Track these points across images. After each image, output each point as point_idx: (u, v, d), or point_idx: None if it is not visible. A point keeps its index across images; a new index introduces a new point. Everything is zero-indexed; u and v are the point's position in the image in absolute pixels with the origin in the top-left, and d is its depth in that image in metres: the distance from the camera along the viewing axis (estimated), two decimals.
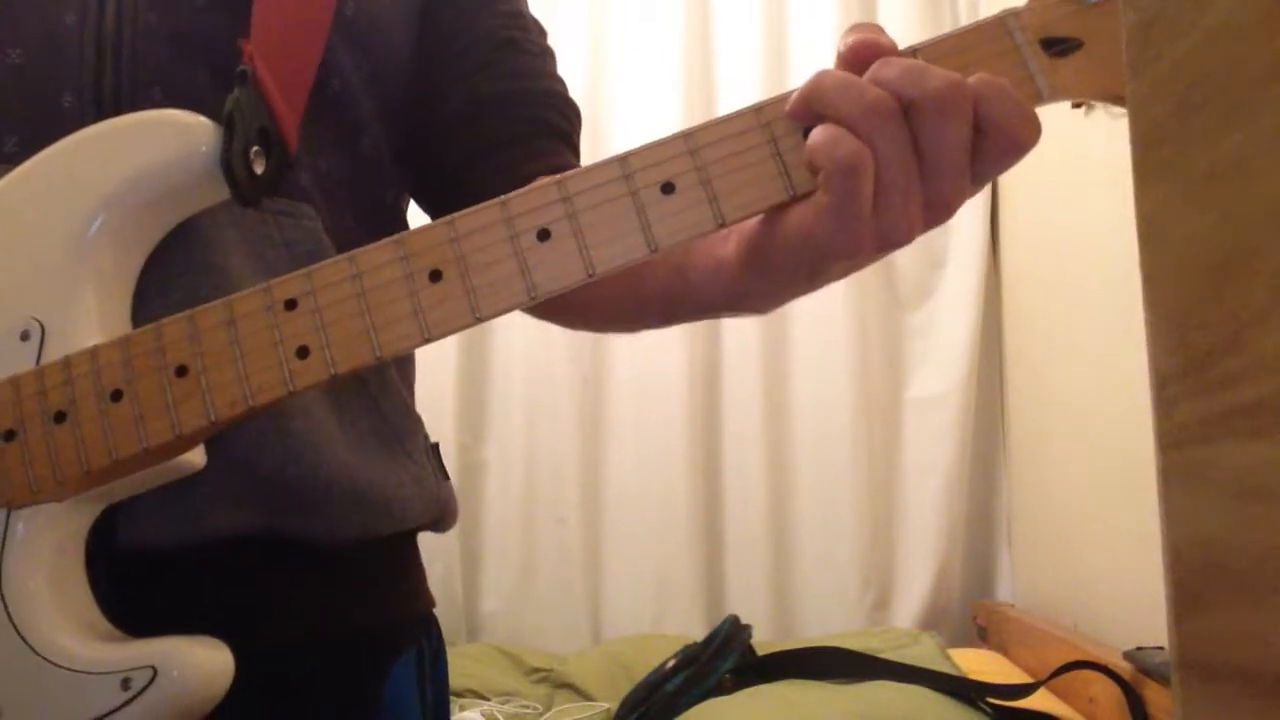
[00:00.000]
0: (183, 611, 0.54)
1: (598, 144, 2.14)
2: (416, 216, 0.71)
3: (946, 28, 2.22)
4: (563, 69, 0.75)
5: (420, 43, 0.68)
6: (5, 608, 0.47)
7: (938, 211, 0.44)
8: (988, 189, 2.17)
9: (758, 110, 0.45)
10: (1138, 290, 0.28)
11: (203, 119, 0.51)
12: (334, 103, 0.62)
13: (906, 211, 0.43)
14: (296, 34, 0.57)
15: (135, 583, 0.53)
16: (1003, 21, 0.45)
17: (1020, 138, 0.43)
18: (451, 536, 2.20)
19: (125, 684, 0.46)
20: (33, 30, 0.57)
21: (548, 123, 0.69)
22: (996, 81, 0.43)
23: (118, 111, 0.55)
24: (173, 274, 0.54)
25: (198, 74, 0.58)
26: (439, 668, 0.70)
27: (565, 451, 2.20)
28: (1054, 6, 0.45)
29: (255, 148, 0.50)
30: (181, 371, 0.46)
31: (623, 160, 0.45)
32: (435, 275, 0.45)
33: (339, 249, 0.59)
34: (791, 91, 0.45)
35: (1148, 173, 0.26)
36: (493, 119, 0.68)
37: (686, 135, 0.45)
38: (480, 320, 0.45)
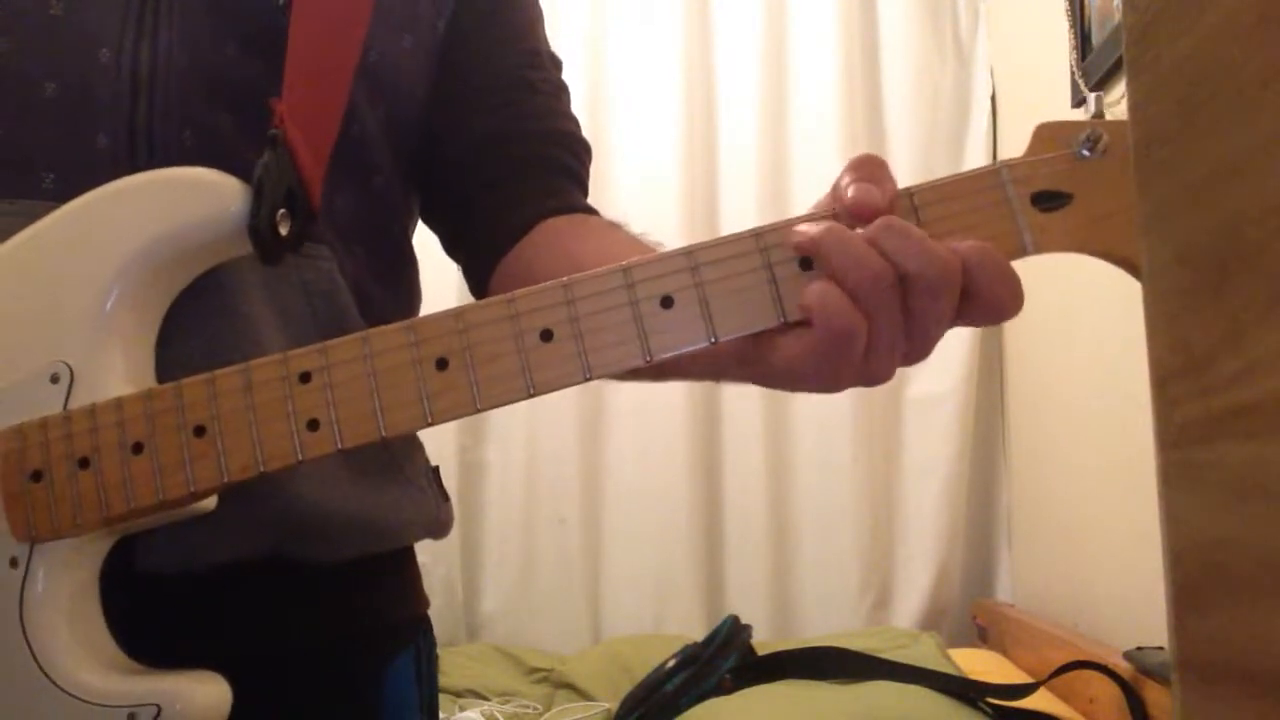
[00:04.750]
0: (191, 629, 0.58)
1: (598, 146, 2.13)
2: (421, 242, 0.74)
3: (946, 28, 2.23)
4: (563, 70, 0.76)
5: (437, 82, 0.70)
6: (25, 638, 0.50)
7: (917, 357, 0.47)
8: None
9: (757, 235, 0.47)
10: (1138, 290, 0.28)
11: (233, 181, 0.53)
12: (353, 145, 0.64)
13: (891, 360, 0.46)
14: (325, 83, 0.59)
15: (149, 603, 0.56)
16: (996, 173, 0.47)
17: (1004, 307, 0.45)
18: (451, 536, 2.18)
19: (131, 718, 0.49)
20: (68, 63, 0.58)
21: (557, 161, 0.72)
22: (987, 251, 0.44)
23: (150, 152, 0.58)
24: (195, 317, 0.57)
25: (225, 119, 0.60)
26: (432, 666, 0.73)
27: (565, 451, 2.20)
28: (1048, 161, 0.47)
29: (281, 210, 0.53)
30: (199, 431, 0.49)
31: (626, 270, 0.47)
32: (442, 363, 0.47)
33: (350, 282, 0.63)
34: (791, 222, 0.46)
35: (1148, 173, 0.26)
36: (503, 156, 0.70)
37: (688, 252, 0.47)
38: (480, 410, 0.48)
